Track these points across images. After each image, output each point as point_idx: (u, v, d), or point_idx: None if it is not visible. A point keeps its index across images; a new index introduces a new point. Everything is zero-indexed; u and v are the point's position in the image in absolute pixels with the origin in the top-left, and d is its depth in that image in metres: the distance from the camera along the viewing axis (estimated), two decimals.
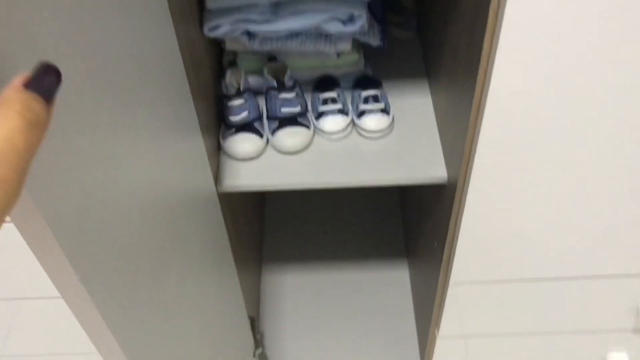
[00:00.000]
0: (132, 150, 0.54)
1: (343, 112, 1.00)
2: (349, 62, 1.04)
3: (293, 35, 0.95)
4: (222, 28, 0.91)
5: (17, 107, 0.30)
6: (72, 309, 0.44)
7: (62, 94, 0.40)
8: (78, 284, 0.42)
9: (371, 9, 1.02)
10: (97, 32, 0.46)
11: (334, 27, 0.91)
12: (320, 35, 0.96)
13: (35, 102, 0.31)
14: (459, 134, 0.83)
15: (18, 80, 0.32)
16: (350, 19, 0.90)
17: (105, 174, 0.47)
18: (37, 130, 0.31)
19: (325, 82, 1.05)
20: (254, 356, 1.26)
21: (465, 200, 0.86)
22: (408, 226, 1.51)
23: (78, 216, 0.41)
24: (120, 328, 0.48)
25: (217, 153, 0.98)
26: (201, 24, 0.91)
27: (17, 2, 0.34)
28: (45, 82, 0.32)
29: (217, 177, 0.95)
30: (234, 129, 0.97)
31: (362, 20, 0.90)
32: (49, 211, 0.37)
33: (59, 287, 0.42)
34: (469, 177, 0.82)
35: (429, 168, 0.94)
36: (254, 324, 1.28)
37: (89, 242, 0.43)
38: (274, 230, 1.65)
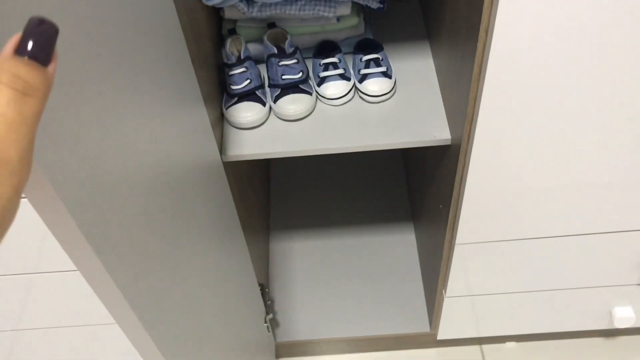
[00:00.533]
0: (137, 120, 0.54)
1: (345, 76, 0.99)
2: (349, 26, 1.03)
3: (292, 0, 0.94)
4: None
5: (2, 79, 0.27)
6: (87, 280, 0.45)
7: (65, 64, 0.40)
8: (91, 254, 0.42)
9: None
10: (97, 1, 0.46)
11: None
12: None
13: (25, 68, 0.28)
14: (461, 94, 0.83)
15: (8, 45, 0.28)
16: None
17: (112, 143, 0.47)
18: (32, 99, 0.28)
19: (326, 47, 1.04)
20: (265, 322, 1.28)
21: (469, 161, 0.86)
22: (413, 189, 1.51)
23: (88, 186, 0.42)
24: (135, 297, 0.50)
25: (220, 122, 0.98)
26: None
27: None
28: (37, 41, 0.28)
29: (222, 146, 0.96)
30: (236, 98, 0.97)
31: None
32: (60, 182, 0.38)
33: (74, 258, 0.43)
34: (473, 137, 0.83)
35: (433, 130, 0.94)
36: (264, 290, 1.30)
37: (100, 212, 0.44)
38: (280, 197, 1.66)
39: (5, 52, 0.28)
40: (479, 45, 0.71)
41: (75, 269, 0.44)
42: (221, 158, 0.94)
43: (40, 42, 0.28)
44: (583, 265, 1.09)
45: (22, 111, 0.27)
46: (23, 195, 0.40)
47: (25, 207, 0.42)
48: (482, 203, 0.94)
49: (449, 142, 0.93)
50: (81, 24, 0.43)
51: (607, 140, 0.83)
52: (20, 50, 0.28)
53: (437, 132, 0.94)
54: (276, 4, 0.94)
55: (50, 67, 0.29)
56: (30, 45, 0.28)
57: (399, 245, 1.53)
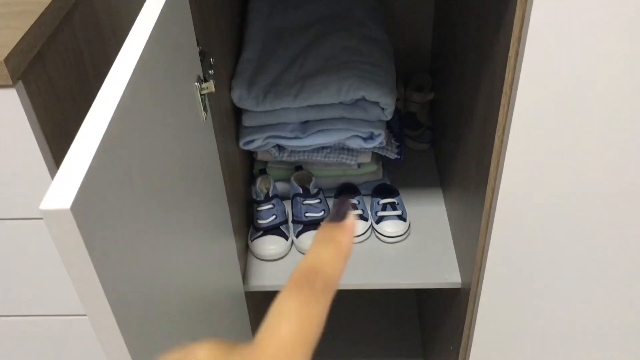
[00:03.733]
0: (182, 252, 0.61)
1: (363, 217, 1.07)
2: (368, 172, 1.13)
3: (318, 149, 1.05)
4: (256, 142, 1.01)
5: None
6: None
7: (144, 223, 0.48)
8: None
9: (389, 126, 1.12)
10: (165, 161, 0.55)
11: (356, 144, 1.01)
12: (342, 149, 1.06)
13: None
14: (470, 243, 0.90)
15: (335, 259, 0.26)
16: (370, 137, 1.01)
17: (162, 274, 0.54)
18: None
19: (347, 189, 1.13)
20: None
21: (478, 305, 0.91)
22: (425, 328, 1.53)
23: (141, 313, 0.48)
24: None
25: (245, 254, 1.05)
26: (237, 138, 1.02)
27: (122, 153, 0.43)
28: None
29: (245, 276, 1.02)
30: (261, 232, 1.04)
31: (380, 138, 1.00)
32: (117, 308, 0.44)
33: None
34: (481, 283, 0.88)
35: (444, 273, 1.00)
36: None
37: (147, 335, 0.49)
38: None
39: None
40: (487, 202, 0.79)
41: None
42: (243, 287, 1.00)
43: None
44: None
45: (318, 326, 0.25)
46: (83, 314, 0.46)
47: (84, 323, 0.48)
48: (491, 346, 0.97)
49: (459, 286, 0.98)
50: (150, 184, 0.52)
51: (616, 286, 0.87)
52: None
53: (449, 276, 0.99)
54: (304, 151, 1.05)
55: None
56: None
57: None
